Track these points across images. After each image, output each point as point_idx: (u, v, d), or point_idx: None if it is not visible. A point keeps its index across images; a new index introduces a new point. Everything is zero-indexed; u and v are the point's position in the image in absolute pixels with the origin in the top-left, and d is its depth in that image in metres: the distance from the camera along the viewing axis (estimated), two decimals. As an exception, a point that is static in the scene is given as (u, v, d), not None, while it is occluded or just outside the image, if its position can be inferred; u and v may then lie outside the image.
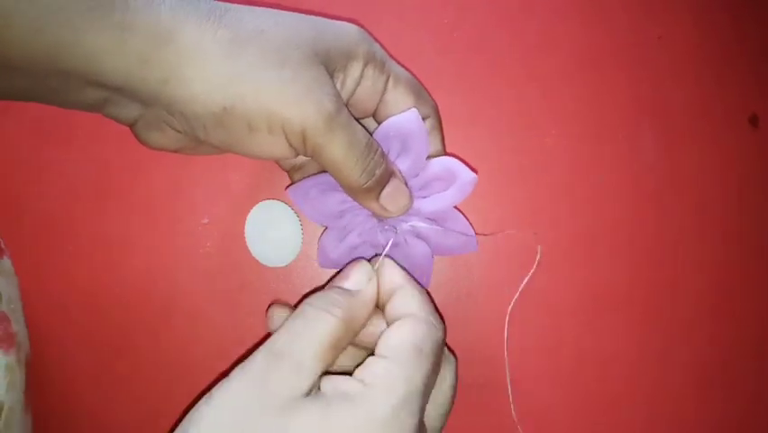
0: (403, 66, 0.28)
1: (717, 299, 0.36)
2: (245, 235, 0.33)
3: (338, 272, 0.27)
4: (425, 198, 0.28)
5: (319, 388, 0.22)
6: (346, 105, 0.25)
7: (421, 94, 0.28)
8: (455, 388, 0.26)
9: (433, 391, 0.24)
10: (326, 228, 0.31)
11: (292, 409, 0.20)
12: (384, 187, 0.26)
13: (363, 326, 0.25)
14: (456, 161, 0.28)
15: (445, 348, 0.26)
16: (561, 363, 0.35)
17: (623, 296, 0.35)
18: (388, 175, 0.26)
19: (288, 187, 0.29)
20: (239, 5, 0.23)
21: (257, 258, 0.33)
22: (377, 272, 0.26)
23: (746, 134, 0.36)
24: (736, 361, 0.36)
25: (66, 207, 0.34)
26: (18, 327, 0.32)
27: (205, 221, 0.34)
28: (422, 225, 0.28)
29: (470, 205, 0.35)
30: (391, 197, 0.26)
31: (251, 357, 0.22)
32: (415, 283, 0.26)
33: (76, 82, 0.21)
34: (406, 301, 0.25)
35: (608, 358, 0.35)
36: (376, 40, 0.27)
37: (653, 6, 0.37)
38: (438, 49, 0.36)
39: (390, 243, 0.29)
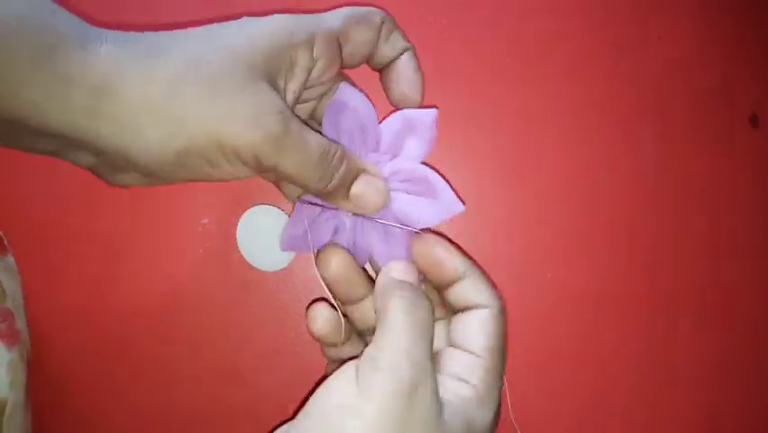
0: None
1: (718, 298, 0.35)
2: (238, 243, 0.33)
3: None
4: (390, 159, 0.28)
5: (440, 401, 0.22)
6: (308, 88, 0.26)
7: (366, 17, 0.27)
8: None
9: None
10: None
11: (440, 426, 0.21)
12: (350, 186, 0.26)
13: None
14: (409, 109, 0.28)
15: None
16: (560, 362, 0.35)
17: (623, 295, 0.35)
18: (353, 174, 0.26)
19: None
20: (170, 33, 0.23)
21: (252, 263, 0.33)
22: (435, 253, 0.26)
23: (747, 134, 0.36)
24: (737, 360, 0.35)
25: (66, 207, 0.34)
26: (21, 324, 0.32)
27: (205, 221, 0.34)
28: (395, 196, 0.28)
29: (470, 204, 0.35)
30: (361, 194, 0.26)
31: (392, 363, 0.21)
32: (478, 269, 0.26)
33: (24, 131, 0.21)
34: (479, 289, 0.25)
35: (607, 358, 0.35)
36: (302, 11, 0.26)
37: (653, 6, 0.36)
38: (437, 49, 0.36)
39: (338, 231, 0.29)
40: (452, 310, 0.26)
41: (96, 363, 0.34)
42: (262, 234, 0.33)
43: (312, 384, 0.34)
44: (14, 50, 0.19)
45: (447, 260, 0.26)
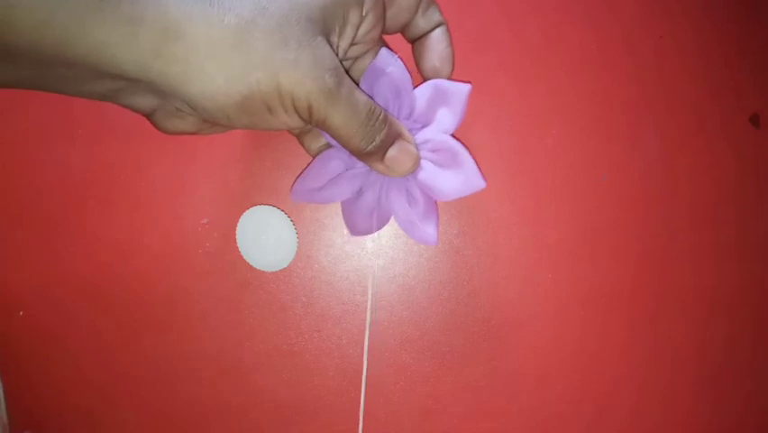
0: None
1: (719, 298, 0.36)
2: (237, 243, 0.33)
3: None
4: (422, 127, 0.29)
5: None
6: (352, 45, 0.27)
7: None
8: None
9: None
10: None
11: None
12: (387, 149, 0.27)
13: None
14: (443, 80, 0.28)
15: None
16: (561, 362, 0.35)
17: (624, 295, 0.35)
18: (392, 138, 0.27)
19: (292, 190, 0.30)
20: None
21: (251, 264, 0.33)
22: None
23: (748, 134, 0.36)
24: (738, 360, 0.36)
25: (66, 206, 0.34)
26: None
27: (205, 221, 0.34)
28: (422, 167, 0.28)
29: (474, 203, 0.35)
30: (395, 159, 0.27)
31: None
32: None
33: (88, 72, 0.21)
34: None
35: (608, 357, 0.35)
36: None
37: (654, 6, 0.37)
38: (438, 48, 0.36)
39: (367, 191, 0.29)
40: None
41: (96, 362, 0.34)
42: (262, 235, 0.33)
43: (312, 384, 0.34)
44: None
45: None
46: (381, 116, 0.26)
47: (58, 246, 0.34)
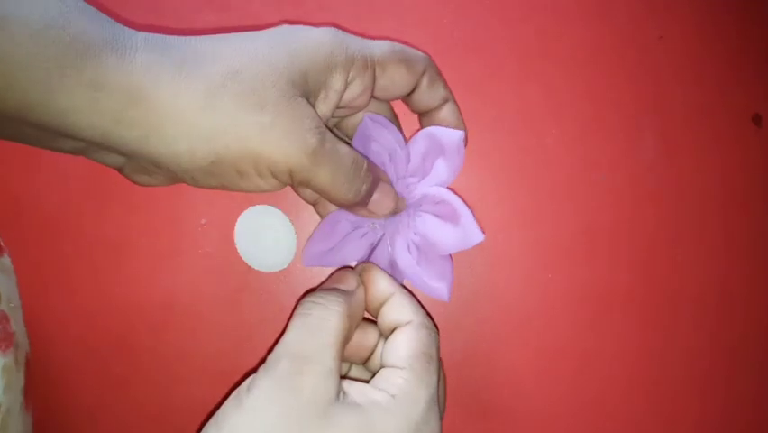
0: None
1: (718, 298, 0.36)
2: (236, 245, 0.33)
3: (327, 279, 0.28)
4: (419, 181, 0.28)
5: (344, 392, 0.22)
6: (338, 108, 0.26)
7: (409, 60, 0.27)
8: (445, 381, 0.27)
9: None
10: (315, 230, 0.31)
11: (330, 415, 0.21)
12: (372, 195, 0.26)
13: (357, 327, 0.25)
14: (436, 127, 0.27)
15: None
16: (561, 362, 0.35)
17: (623, 295, 0.35)
18: (376, 184, 0.26)
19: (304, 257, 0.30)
20: (208, 38, 0.23)
21: (251, 265, 0.33)
22: (362, 277, 0.27)
23: (749, 134, 0.36)
24: (737, 360, 0.36)
25: (65, 207, 0.34)
26: (17, 326, 0.32)
27: (204, 222, 0.34)
28: (422, 220, 0.28)
29: (474, 203, 0.35)
30: (378, 202, 0.26)
31: (273, 359, 0.23)
32: (403, 289, 0.26)
33: (51, 134, 0.21)
34: (402, 308, 0.25)
35: (608, 357, 0.35)
36: (351, 31, 0.26)
37: (654, 6, 0.36)
38: (438, 49, 0.35)
39: (376, 248, 0.29)
40: (385, 336, 0.26)
41: (96, 362, 0.34)
42: (261, 235, 0.33)
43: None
44: (40, 57, 0.19)
45: (376, 281, 0.26)
46: (365, 166, 0.25)
47: (56, 246, 0.34)
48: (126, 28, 0.21)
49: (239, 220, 0.33)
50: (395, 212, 0.27)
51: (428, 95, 0.28)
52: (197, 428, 0.34)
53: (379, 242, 0.30)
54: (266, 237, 0.33)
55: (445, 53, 0.35)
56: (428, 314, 0.26)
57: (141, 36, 0.21)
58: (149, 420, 0.34)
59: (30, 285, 0.34)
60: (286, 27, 0.24)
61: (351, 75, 0.25)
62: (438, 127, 0.27)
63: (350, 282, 0.26)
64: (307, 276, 0.35)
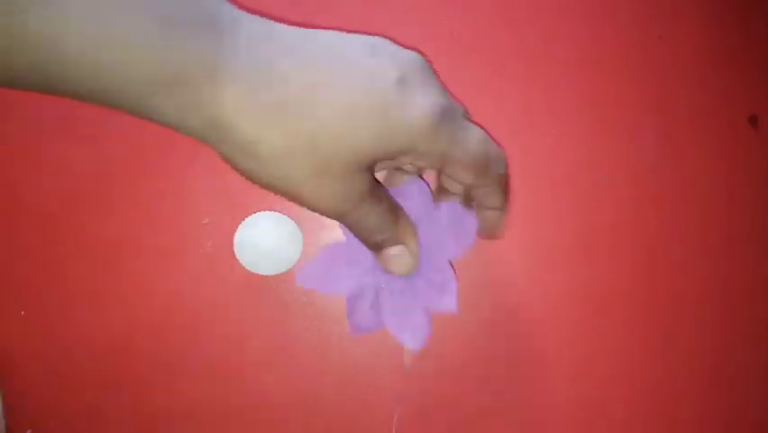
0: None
1: (718, 298, 0.36)
2: (237, 255, 0.33)
3: None
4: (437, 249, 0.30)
5: None
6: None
7: (483, 169, 0.26)
8: None
9: None
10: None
11: None
12: (389, 246, 0.27)
13: None
14: (458, 207, 0.29)
15: None
16: (561, 362, 0.35)
17: (624, 295, 0.35)
18: (397, 240, 0.27)
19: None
20: (311, 83, 0.22)
21: (253, 271, 0.34)
22: None
23: (746, 135, 0.36)
24: (739, 360, 0.36)
25: (66, 206, 0.34)
26: None
27: (206, 221, 0.34)
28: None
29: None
30: (391, 259, 0.27)
31: None
32: None
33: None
34: None
35: (609, 357, 0.35)
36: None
37: (653, 6, 0.37)
38: (438, 49, 0.36)
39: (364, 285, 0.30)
40: None
41: (96, 362, 0.34)
42: (262, 240, 0.33)
43: (312, 384, 0.34)
44: (133, 80, 0.20)
45: None
46: (395, 216, 0.26)
47: (58, 246, 0.34)
48: (225, 45, 0.21)
49: (238, 232, 0.33)
50: (406, 275, 0.28)
51: (487, 197, 0.27)
52: (197, 428, 0.34)
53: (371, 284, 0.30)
54: (268, 241, 0.33)
55: (446, 53, 0.36)
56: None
57: (238, 63, 0.21)
58: (148, 420, 0.34)
59: (30, 284, 0.34)
60: (395, 83, 0.23)
61: (418, 162, 0.25)
62: (460, 207, 0.29)
63: None
64: (308, 276, 0.35)
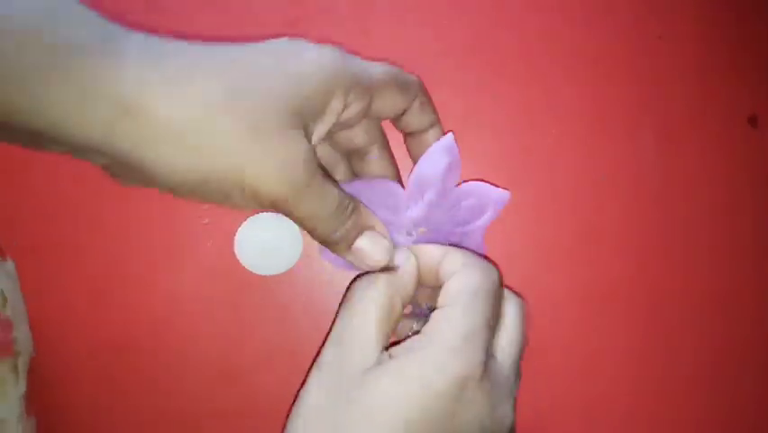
0: (401, 66, 0.28)
1: (718, 298, 0.36)
2: (238, 256, 0.33)
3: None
4: (462, 229, 0.30)
5: (389, 355, 0.23)
6: (333, 129, 0.26)
7: (404, 85, 0.27)
8: (523, 322, 0.27)
9: (500, 326, 0.26)
10: None
11: (368, 377, 0.22)
12: (354, 240, 0.26)
13: (411, 293, 0.26)
14: (483, 184, 0.29)
15: (507, 290, 0.27)
16: (562, 362, 0.35)
17: (625, 295, 0.35)
18: (360, 229, 0.26)
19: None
20: (206, 49, 0.22)
21: (254, 272, 0.33)
22: (411, 250, 0.27)
23: (746, 135, 0.37)
24: (739, 360, 0.36)
25: (65, 207, 0.34)
26: (20, 333, 0.32)
27: (206, 221, 0.34)
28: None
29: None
30: (363, 250, 0.26)
31: (321, 353, 0.25)
32: (455, 248, 0.27)
33: (38, 139, 0.20)
34: (454, 260, 0.26)
35: (609, 357, 0.35)
36: (354, 52, 0.26)
37: (653, 6, 0.37)
38: (438, 49, 0.36)
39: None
40: None
41: (97, 363, 0.34)
42: (262, 240, 0.33)
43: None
44: (27, 62, 0.18)
45: (424, 248, 0.27)
46: (351, 207, 0.25)
47: (57, 245, 0.34)
48: (120, 28, 0.20)
49: (239, 232, 0.33)
50: (387, 267, 0.27)
51: (418, 118, 0.29)
52: (197, 428, 0.34)
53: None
54: (268, 241, 0.33)
55: (446, 53, 0.36)
56: (487, 258, 0.27)
57: (136, 39, 0.20)
58: (148, 419, 0.34)
59: (30, 287, 0.33)
60: (287, 42, 0.24)
61: (349, 98, 0.25)
62: (485, 185, 0.29)
63: (398, 257, 0.26)
64: (308, 276, 0.35)
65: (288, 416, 0.34)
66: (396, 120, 0.29)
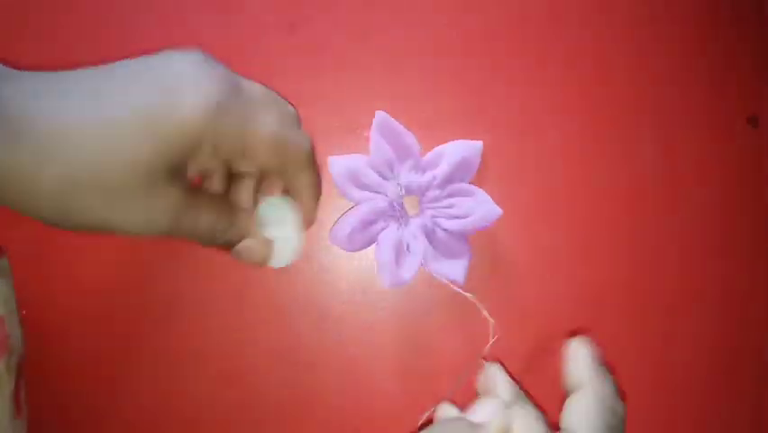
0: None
1: (718, 298, 0.36)
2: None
3: None
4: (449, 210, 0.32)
5: None
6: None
7: (283, 149, 0.27)
8: None
9: None
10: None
11: None
12: (234, 245, 0.28)
13: None
14: (485, 193, 0.32)
15: None
16: (559, 363, 0.35)
17: (622, 296, 0.35)
18: (237, 239, 0.28)
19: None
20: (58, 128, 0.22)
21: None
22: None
23: (745, 135, 0.37)
24: (738, 361, 0.36)
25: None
26: (12, 330, 0.31)
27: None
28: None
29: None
30: (244, 250, 0.29)
31: None
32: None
33: None
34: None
35: (609, 357, 0.35)
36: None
37: (652, 6, 0.37)
38: (438, 49, 0.36)
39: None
40: None
41: (97, 363, 0.34)
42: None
43: (312, 385, 0.34)
44: None
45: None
46: (228, 214, 0.27)
47: (58, 245, 0.33)
48: None
49: None
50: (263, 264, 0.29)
51: (293, 180, 0.29)
52: (197, 427, 0.34)
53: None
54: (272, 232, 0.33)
55: (445, 53, 0.36)
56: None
57: None
58: (148, 419, 0.34)
59: (29, 286, 0.33)
60: (165, 88, 0.23)
61: (219, 153, 0.25)
62: (487, 196, 0.32)
63: (486, 414, 0.26)
64: (308, 276, 0.34)
65: (287, 416, 0.34)
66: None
